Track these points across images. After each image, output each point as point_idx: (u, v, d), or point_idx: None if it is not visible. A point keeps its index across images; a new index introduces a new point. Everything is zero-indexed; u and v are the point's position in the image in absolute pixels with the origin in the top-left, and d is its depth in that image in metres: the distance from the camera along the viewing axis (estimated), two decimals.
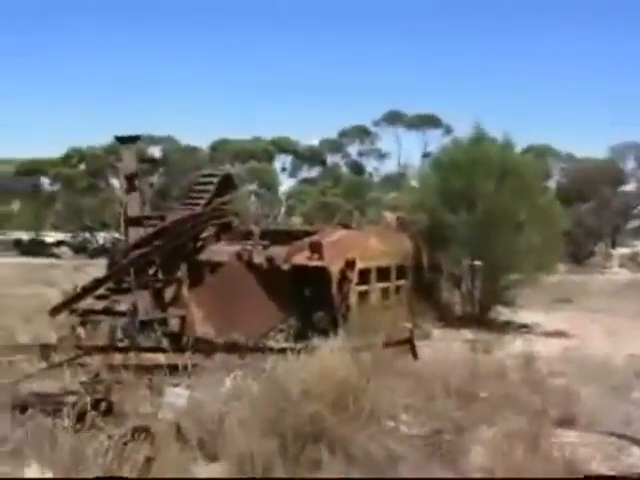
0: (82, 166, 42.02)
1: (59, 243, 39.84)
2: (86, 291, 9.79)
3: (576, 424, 7.21)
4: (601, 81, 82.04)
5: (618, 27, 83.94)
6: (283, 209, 42.20)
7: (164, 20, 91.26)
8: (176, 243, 10.12)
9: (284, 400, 6.19)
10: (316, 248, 10.36)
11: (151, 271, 9.99)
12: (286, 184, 45.34)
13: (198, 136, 70.74)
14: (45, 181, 43.32)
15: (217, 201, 11.23)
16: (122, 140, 10.30)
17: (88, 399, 6.17)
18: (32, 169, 42.08)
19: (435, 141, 41.56)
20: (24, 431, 5.93)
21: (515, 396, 7.74)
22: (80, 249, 37.34)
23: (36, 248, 37.91)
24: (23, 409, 6.28)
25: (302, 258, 10.42)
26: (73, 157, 42.23)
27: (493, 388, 7.91)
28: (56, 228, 43.60)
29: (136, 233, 9.86)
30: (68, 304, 9.72)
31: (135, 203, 9.99)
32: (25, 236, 41.68)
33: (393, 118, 46.21)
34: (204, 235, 10.97)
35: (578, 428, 7.11)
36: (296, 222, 35.78)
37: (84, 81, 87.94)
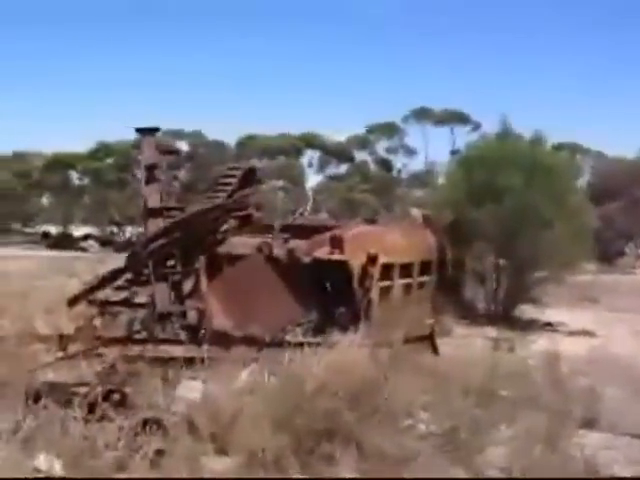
0: (110, 160, 42.40)
1: (86, 237, 40.17)
2: (103, 282, 9.77)
3: (599, 425, 7.03)
4: (631, 80, 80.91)
5: None
6: (310, 205, 42.11)
7: (193, 17, 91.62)
8: (195, 235, 10.06)
9: (298, 395, 6.09)
10: (337, 242, 10.22)
11: (170, 263, 9.94)
12: (313, 180, 45.35)
13: (226, 131, 70.91)
14: (74, 175, 43.76)
15: (239, 194, 11.15)
16: (142, 132, 10.30)
17: (99, 390, 6.12)
18: (61, 163, 42.48)
19: (463, 138, 41.20)
20: (36, 420, 5.90)
21: (537, 395, 7.57)
22: (107, 242, 37.61)
23: (64, 241, 38.26)
24: (36, 398, 6.24)
25: (323, 252, 10.29)
26: (101, 151, 42.58)
27: (514, 387, 7.74)
28: (84, 222, 44.03)
29: (155, 225, 9.82)
30: (85, 295, 9.71)
31: (155, 194, 9.94)
32: (54, 230, 42.11)
33: (421, 114, 45.92)
34: (225, 227, 10.90)
35: (601, 429, 6.93)
36: (322, 217, 35.71)
37: (113, 75, 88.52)
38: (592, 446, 6.31)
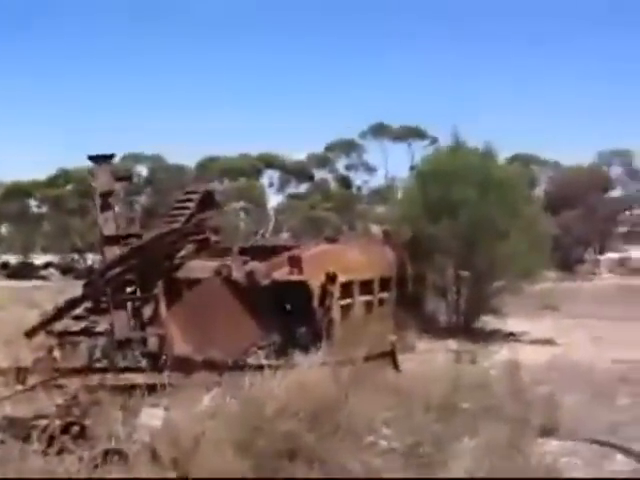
0: (70, 187, 42.00)
1: (47, 265, 39.68)
2: (60, 312, 9.69)
3: (559, 433, 7.13)
4: (585, 88, 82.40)
5: (603, 30, 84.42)
6: (272, 225, 42.12)
7: (148, 39, 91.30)
8: (153, 261, 10.03)
9: (259, 418, 6.10)
10: (296, 263, 10.27)
11: (129, 290, 9.89)
12: (274, 200, 45.34)
13: (186, 154, 70.65)
14: (32, 203, 43.29)
15: (196, 217, 11.15)
16: (96, 159, 10.25)
17: (57, 423, 6.06)
18: (19, 191, 42.01)
19: (421, 153, 41.61)
20: None
21: (498, 406, 7.64)
22: (68, 270, 37.17)
23: (24, 271, 37.74)
24: None
25: (282, 273, 10.33)
26: (60, 178, 42.19)
27: (476, 399, 7.81)
28: (45, 250, 43.51)
29: (112, 252, 9.77)
30: (43, 325, 9.62)
31: (110, 222, 9.90)
32: (13, 259, 41.53)
33: (378, 130, 46.23)
34: (183, 252, 10.88)
35: (561, 437, 7.03)
36: (284, 238, 35.74)
37: (69, 102, 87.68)
38: (552, 453, 6.40)
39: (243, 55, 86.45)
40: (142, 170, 44.40)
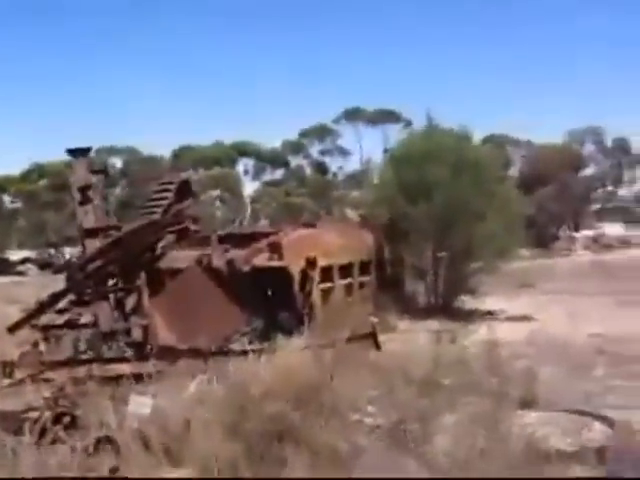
0: (44, 181, 41.74)
1: (24, 260, 39.45)
2: (43, 306, 9.76)
3: (537, 404, 7.33)
4: (555, 65, 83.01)
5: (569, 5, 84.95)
6: (249, 213, 42.18)
7: (119, 26, 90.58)
8: (133, 252, 10.11)
9: (245, 401, 6.23)
10: (275, 248, 10.40)
11: (111, 282, 9.98)
12: (250, 187, 45.40)
13: (160, 145, 70.33)
14: (6, 198, 42.97)
15: (174, 208, 11.23)
16: (73, 153, 10.30)
17: (49, 414, 6.16)
18: None
19: (396, 136, 41.75)
20: None
21: (477, 382, 7.83)
22: (46, 265, 36.98)
23: (0, 267, 37.52)
24: None
25: (262, 259, 10.45)
26: (34, 172, 41.90)
27: (456, 375, 8.00)
28: (21, 245, 43.22)
29: (93, 245, 9.85)
30: (26, 320, 9.69)
31: (90, 215, 9.97)
32: None
33: (352, 114, 46.38)
34: (163, 243, 10.97)
35: (539, 408, 7.23)
36: (262, 225, 35.80)
37: (41, 94, 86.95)
38: (532, 424, 6.59)
39: (215, 41, 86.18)
40: (116, 162, 44.28)
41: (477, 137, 18.89)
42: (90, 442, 5.88)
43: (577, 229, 39.29)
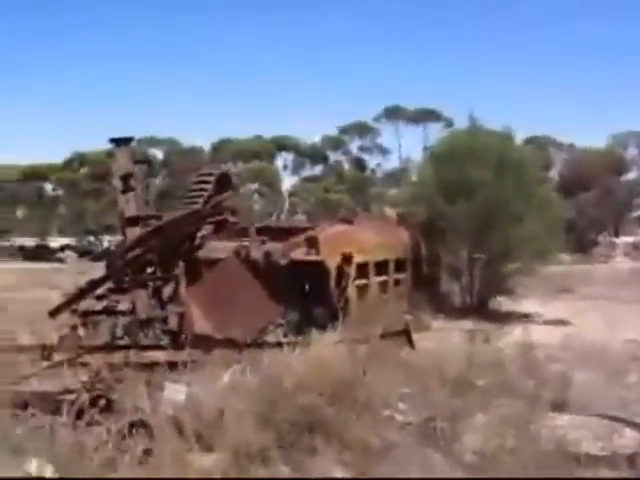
0: (85, 170, 42.32)
1: (63, 248, 40.03)
2: (83, 292, 9.90)
3: (570, 408, 7.28)
4: (600, 69, 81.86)
5: (619, 13, 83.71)
6: (286, 207, 42.33)
7: (162, 19, 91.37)
8: (173, 242, 10.23)
9: (279, 392, 6.29)
10: (312, 243, 10.46)
11: (150, 270, 10.10)
12: (288, 182, 45.57)
13: (200, 137, 70.89)
14: (48, 187, 43.67)
15: (214, 199, 11.33)
16: (116, 142, 10.44)
17: (86, 396, 6.29)
18: (35, 175, 42.35)
19: (436, 135, 41.55)
20: (25, 428, 6.06)
21: (511, 383, 7.81)
22: (85, 253, 37.52)
23: (40, 253, 38.12)
24: (24, 407, 6.39)
25: (299, 253, 10.51)
26: (75, 161, 42.50)
27: (489, 376, 7.98)
28: (61, 233, 43.90)
29: (133, 233, 9.97)
30: (66, 305, 9.84)
31: (131, 203, 10.09)
32: (30, 242, 41.92)
33: (393, 113, 46.25)
34: (202, 233, 11.09)
35: (572, 411, 7.18)
36: (300, 219, 35.91)
37: (85, 84, 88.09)
38: (563, 427, 6.56)
39: (257, 37, 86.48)
40: (157, 153, 44.73)
41: (519, 138, 18.75)
42: (125, 425, 5.97)
43: (617, 235, 38.77)
